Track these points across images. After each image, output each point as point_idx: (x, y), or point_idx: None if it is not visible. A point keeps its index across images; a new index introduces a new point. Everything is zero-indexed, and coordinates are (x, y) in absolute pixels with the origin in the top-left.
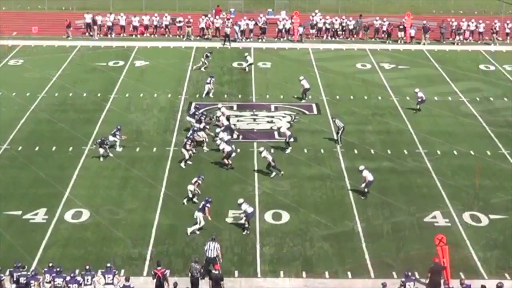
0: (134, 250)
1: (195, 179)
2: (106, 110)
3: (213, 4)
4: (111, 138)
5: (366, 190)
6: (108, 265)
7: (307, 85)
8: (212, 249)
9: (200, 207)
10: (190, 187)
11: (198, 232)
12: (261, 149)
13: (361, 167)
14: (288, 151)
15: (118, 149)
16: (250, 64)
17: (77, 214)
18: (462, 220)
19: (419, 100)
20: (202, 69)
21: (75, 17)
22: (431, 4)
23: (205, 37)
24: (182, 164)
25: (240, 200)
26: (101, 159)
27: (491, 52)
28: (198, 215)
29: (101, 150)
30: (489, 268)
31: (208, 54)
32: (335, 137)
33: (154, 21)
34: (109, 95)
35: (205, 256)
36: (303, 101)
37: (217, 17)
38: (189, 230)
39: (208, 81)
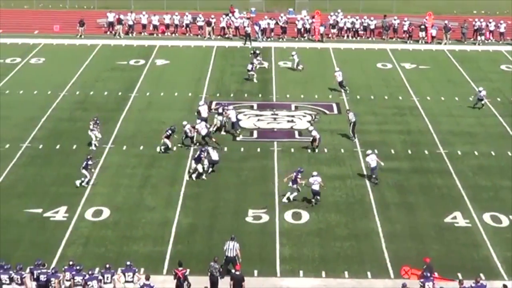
0: (154, 248)
1: (294, 174)
2: (127, 109)
3: (234, 4)
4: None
5: (373, 176)
6: (128, 263)
7: (340, 78)
8: (232, 248)
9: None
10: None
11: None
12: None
13: (368, 151)
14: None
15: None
16: (298, 63)
17: (97, 212)
18: (483, 220)
19: (479, 98)
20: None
21: (97, 15)
22: (453, 4)
23: (226, 36)
24: (194, 176)
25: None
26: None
27: None
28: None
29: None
30: (509, 269)
31: (257, 52)
32: (349, 129)
33: (175, 20)
34: (130, 94)
35: (225, 255)
36: (346, 91)
37: (235, 15)
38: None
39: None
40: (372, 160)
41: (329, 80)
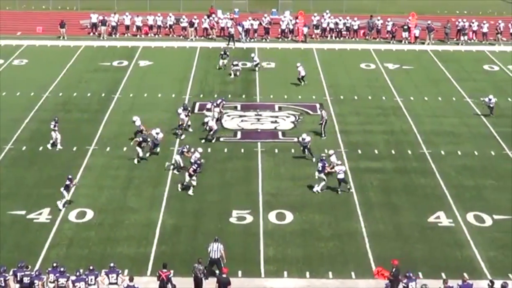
0: (138, 250)
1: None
2: (110, 110)
3: (217, 5)
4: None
5: (340, 188)
6: (112, 264)
7: (303, 72)
8: (216, 250)
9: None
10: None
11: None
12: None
13: (331, 151)
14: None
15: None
16: (257, 64)
17: (81, 214)
18: (466, 220)
19: (490, 106)
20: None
21: (80, 17)
22: (435, 4)
23: (209, 37)
24: (191, 192)
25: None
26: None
27: (495, 52)
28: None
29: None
30: (493, 269)
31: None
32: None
33: (158, 21)
34: (113, 95)
35: (209, 257)
36: (303, 84)
37: (219, 16)
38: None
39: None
40: (340, 171)
41: (312, 81)
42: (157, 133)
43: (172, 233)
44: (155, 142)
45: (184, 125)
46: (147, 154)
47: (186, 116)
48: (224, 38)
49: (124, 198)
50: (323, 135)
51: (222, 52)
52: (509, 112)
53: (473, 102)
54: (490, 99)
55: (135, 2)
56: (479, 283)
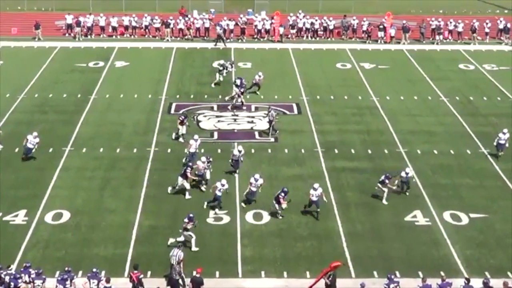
0: (115, 251)
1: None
2: (86, 111)
3: (192, 5)
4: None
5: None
6: (94, 270)
7: (256, 80)
8: (175, 256)
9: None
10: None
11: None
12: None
13: (315, 185)
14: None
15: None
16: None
17: (57, 216)
18: (443, 219)
19: (502, 143)
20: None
21: (55, 18)
22: (411, 4)
23: (186, 37)
24: (187, 195)
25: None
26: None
27: (470, 51)
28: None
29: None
30: (469, 267)
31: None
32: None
33: (133, 21)
34: (89, 96)
35: (170, 261)
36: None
37: (195, 16)
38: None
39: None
40: (316, 195)
41: (288, 81)
42: (34, 137)
43: (149, 234)
44: (29, 146)
45: (179, 133)
46: None
47: (181, 124)
48: (202, 38)
49: (100, 199)
50: (272, 134)
51: (221, 68)
52: (485, 111)
53: (448, 101)
54: (504, 133)
55: (110, 2)
56: (456, 281)
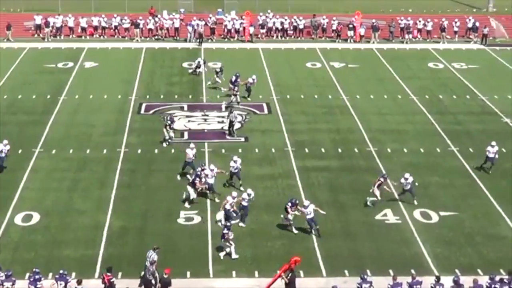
0: (86, 252)
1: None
2: (56, 112)
3: (162, 5)
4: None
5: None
6: (61, 271)
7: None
8: (149, 257)
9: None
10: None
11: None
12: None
13: (306, 203)
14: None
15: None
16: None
17: (27, 217)
18: (413, 217)
19: (492, 157)
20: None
21: (24, 18)
22: (380, 3)
23: (157, 37)
24: (187, 204)
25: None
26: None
27: (439, 50)
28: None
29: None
30: (440, 265)
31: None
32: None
33: (102, 22)
34: (59, 97)
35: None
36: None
37: (164, 16)
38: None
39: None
40: (310, 212)
41: (259, 80)
42: (5, 145)
43: (119, 235)
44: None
45: (165, 137)
46: None
47: (167, 127)
48: (174, 39)
49: (70, 201)
50: (232, 135)
51: (218, 70)
52: (454, 109)
53: (418, 100)
54: (493, 145)
55: (79, 3)
56: (426, 279)
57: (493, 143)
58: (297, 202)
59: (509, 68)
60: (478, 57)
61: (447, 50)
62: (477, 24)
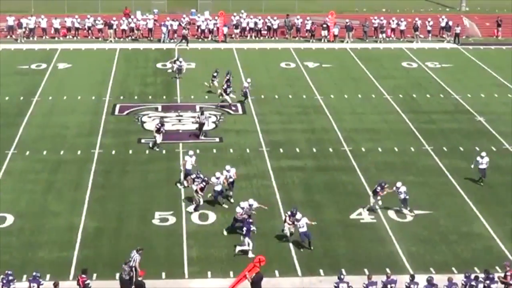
0: (61, 254)
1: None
2: (29, 114)
3: (136, 5)
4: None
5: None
6: (34, 273)
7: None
8: (132, 258)
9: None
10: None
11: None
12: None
13: (298, 216)
14: None
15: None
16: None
17: (0, 219)
18: (387, 216)
19: (483, 168)
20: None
21: None
22: (354, 3)
23: (133, 37)
24: (191, 208)
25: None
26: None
27: (413, 49)
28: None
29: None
30: (414, 263)
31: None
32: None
33: (76, 23)
34: (32, 98)
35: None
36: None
37: (138, 17)
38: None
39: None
40: (303, 225)
41: (233, 81)
42: None
43: (94, 236)
44: None
45: (157, 141)
46: None
47: (158, 132)
48: (148, 39)
49: (45, 202)
50: (202, 135)
51: (215, 74)
52: (428, 108)
53: (392, 99)
54: (482, 156)
55: (52, 3)
56: (401, 278)
57: (483, 153)
58: (296, 212)
59: (482, 67)
60: (451, 56)
61: (420, 49)
62: (450, 23)
